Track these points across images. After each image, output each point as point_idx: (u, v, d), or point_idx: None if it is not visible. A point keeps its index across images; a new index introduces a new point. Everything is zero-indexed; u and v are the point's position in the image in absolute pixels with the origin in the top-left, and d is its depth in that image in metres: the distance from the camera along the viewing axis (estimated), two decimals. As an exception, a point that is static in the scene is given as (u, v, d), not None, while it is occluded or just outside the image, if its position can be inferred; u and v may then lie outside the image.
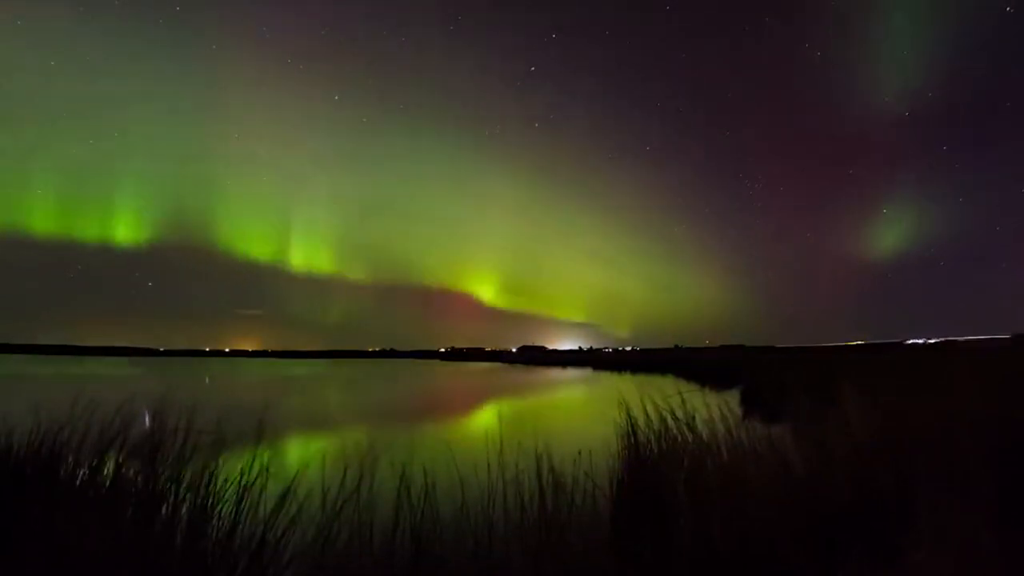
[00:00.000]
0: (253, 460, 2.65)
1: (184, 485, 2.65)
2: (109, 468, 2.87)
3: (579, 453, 2.85)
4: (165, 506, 2.60)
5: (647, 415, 4.12)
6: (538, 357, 72.87)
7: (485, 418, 10.91)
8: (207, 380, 22.29)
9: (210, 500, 2.56)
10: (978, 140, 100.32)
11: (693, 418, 3.73)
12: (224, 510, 2.52)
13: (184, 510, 2.56)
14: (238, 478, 2.59)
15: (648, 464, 3.74)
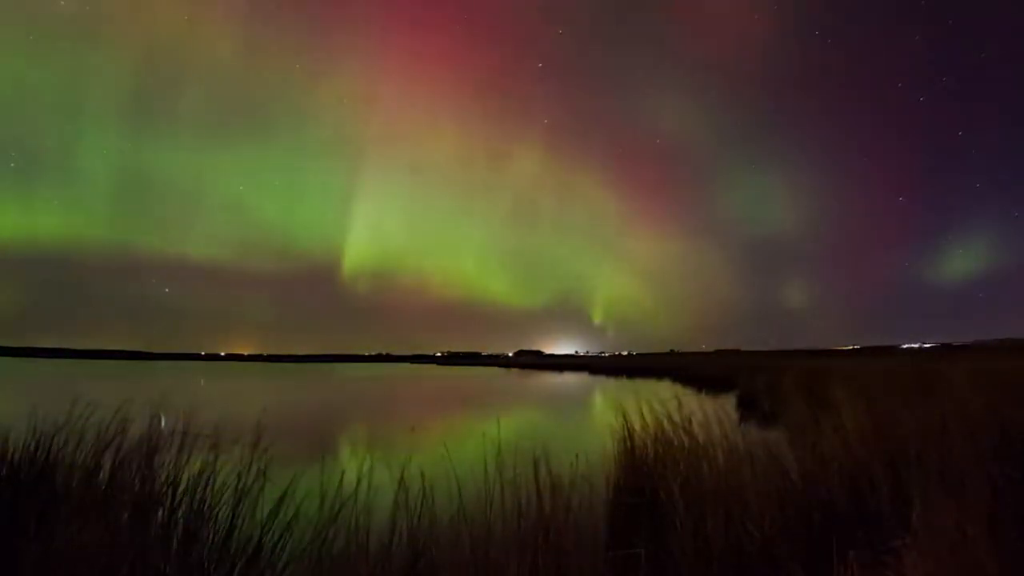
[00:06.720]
0: (250, 463, 2.65)
1: (181, 488, 2.64)
2: (106, 471, 2.86)
3: (576, 456, 2.86)
4: (162, 509, 2.60)
5: (643, 419, 4.14)
6: (535, 361, 72.67)
7: (483, 422, 10.89)
8: (202, 383, 22.16)
9: (207, 503, 2.55)
10: (994, 125, 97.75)
11: (689, 422, 3.75)
12: (221, 513, 2.52)
13: (181, 513, 2.55)
14: (235, 481, 2.58)
15: (644, 467, 3.75)
